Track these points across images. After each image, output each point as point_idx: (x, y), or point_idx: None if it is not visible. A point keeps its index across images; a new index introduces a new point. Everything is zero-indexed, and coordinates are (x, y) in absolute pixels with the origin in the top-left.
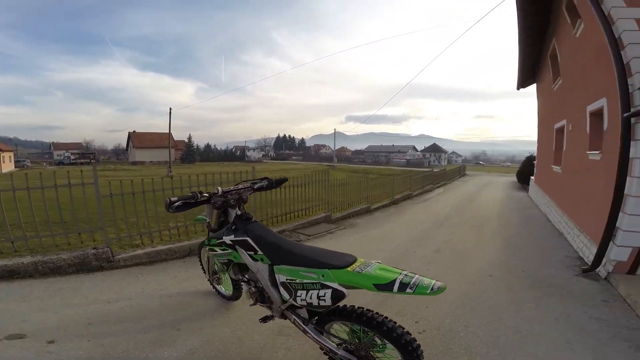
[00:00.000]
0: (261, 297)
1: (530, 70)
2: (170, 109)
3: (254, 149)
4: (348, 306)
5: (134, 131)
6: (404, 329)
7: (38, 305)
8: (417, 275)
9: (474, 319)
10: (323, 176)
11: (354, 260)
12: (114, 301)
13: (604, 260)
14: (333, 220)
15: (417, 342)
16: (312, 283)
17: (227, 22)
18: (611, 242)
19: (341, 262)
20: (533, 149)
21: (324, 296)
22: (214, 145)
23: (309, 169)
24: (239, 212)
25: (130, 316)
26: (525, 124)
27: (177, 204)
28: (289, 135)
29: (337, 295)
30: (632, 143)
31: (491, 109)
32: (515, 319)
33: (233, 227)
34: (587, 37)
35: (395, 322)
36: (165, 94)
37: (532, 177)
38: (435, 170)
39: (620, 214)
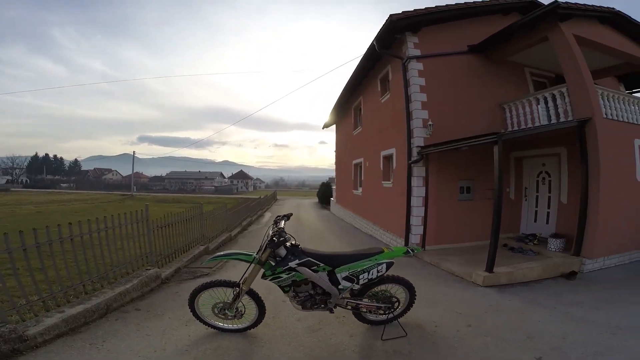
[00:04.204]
0: (312, 302)
1: (336, 115)
2: None
3: None
4: (385, 276)
5: None
6: (406, 279)
7: None
8: (412, 245)
9: None
10: (197, 211)
11: (382, 249)
12: None
13: (409, 244)
14: (211, 251)
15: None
16: (371, 266)
17: None
18: (410, 233)
19: (379, 250)
20: (319, 175)
21: (381, 269)
22: None
23: (96, 201)
24: (288, 244)
25: None
26: (312, 154)
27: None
28: (55, 156)
29: (389, 265)
30: (412, 178)
31: (286, 138)
32: None
33: (291, 255)
34: (389, 105)
35: (402, 277)
36: None
37: (332, 199)
38: (262, 196)
39: (411, 217)
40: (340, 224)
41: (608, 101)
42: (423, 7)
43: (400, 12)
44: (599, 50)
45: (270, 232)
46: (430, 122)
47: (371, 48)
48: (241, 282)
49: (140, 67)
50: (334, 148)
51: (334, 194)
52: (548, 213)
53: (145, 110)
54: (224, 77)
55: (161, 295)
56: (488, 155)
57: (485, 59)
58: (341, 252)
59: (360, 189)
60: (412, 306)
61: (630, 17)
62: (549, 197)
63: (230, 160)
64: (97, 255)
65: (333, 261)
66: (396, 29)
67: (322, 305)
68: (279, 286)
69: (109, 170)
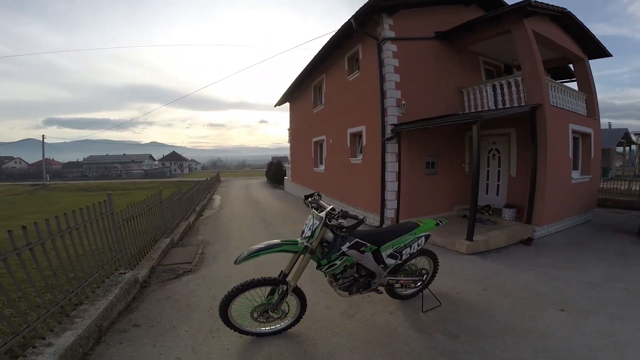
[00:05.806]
0: (357, 286)
1: (291, 94)
2: None
3: None
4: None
5: None
6: (429, 249)
7: None
8: (439, 218)
9: None
10: (157, 199)
11: (417, 223)
12: None
13: (385, 219)
14: (176, 244)
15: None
16: (411, 241)
17: None
18: (385, 208)
19: (414, 225)
20: (261, 155)
21: (421, 242)
22: None
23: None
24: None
25: None
26: (251, 134)
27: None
28: None
29: (427, 238)
30: (386, 154)
31: (222, 117)
32: None
33: (340, 238)
34: (357, 84)
35: (430, 250)
36: None
37: (287, 177)
38: (207, 179)
39: (386, 192)
40: (300, 203)
41: (552, 90)
42: None
43: None
44: (546, 45)
45: (321, 214)
46: (403, 102)
47: (347, 25)
48: (287, 277)
49: (44, 44)
50: (284, 127)
51: (289, 172)
52: (498, 185)
53: (51, 90)
54: (150, 54)
55: (152, 303)
56: (449, 134)
57: (449, 45)
58: (382, 229)
59: (322, 167)
60: (436, 275)
61: (576, 17)
62: (499, 171)
63: (159, 141)
64: (65, 262)
65: (378, 239)
66: (377, 9)
67: (364, 288)
68: (332, 274)
69: (10, 158)
